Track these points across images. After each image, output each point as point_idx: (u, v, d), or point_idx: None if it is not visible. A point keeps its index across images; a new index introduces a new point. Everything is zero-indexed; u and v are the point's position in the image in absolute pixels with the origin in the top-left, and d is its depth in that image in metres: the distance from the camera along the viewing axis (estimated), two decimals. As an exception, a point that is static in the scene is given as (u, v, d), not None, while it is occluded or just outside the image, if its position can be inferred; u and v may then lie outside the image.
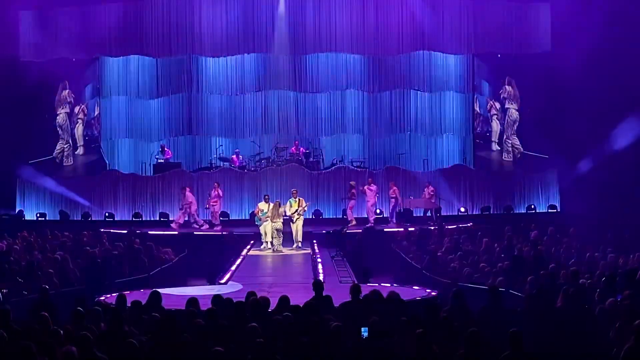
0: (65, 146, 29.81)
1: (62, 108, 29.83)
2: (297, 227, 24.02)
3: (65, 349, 8.50)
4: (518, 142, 30.14)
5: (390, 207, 27.15)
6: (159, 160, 29.49)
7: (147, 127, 30.87)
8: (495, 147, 30.51)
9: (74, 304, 11.31)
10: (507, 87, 30.23)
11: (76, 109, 29.92)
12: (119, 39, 29.22)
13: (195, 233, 25.49)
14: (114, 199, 28.75)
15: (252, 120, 30.97)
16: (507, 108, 30.27)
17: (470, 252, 19.42)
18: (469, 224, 25.65)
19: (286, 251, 23.54)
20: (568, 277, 14.23)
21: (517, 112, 30.11)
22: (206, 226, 26.55)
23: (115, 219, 27.96)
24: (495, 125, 30.55)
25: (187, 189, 26.88)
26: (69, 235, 22.41)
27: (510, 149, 30.24)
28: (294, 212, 23.92)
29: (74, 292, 14.85)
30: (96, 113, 30.21)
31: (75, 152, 30.00)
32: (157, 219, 28.16)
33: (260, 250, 23.76)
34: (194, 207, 26.88)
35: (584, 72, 26.69)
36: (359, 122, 31.01)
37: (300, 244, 24.01)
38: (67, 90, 29.82)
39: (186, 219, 26.76)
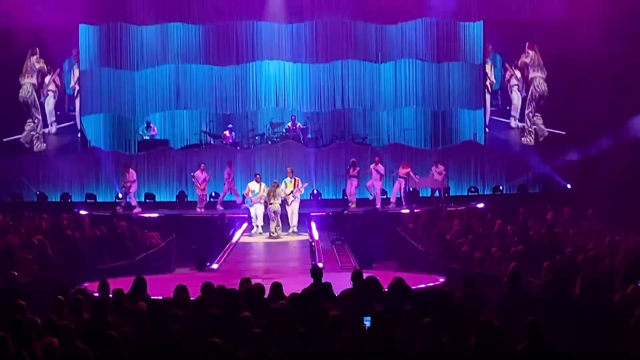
0: (34, 129, 29.27)
1: (28, 77, 29.24)
2: (293, 211, 23.97)
3: (45, 340, 8.52)
4: (542, 122, 29.56)
5: (401, 188, 26.93)
6: (144, 137, 29.44)
7: (130, 101, 30.76)
8: (514, 123, 30.14)
9: (53, 291, 11.32)
10: (529, 52, 29.83)
11: (46, 79, 29.58)
12: (99, 6, 29.08)
13: (184, 215, 25.48)
14: (95, 179, 28.73)
15: (245, 93, 30.89)
16: (533, 78, 29.81)
17: (481, 235, 19.43)
18: (480, 205, 25.66)
19: (283, 236, 23.53)
20: (587, 263, 14.24)
21: (546, 83, 29.69)
22: (138, 209, 26.27)
23: (97, 200, 27.94)
24: (516, 98, 30.13)
25: (131, 168, 26.74)
26: (47, 218, 22.40)
27: (531, 129, 29.82)
28: (289, 194, 23.83)
29: (53, 279, 14.86)
30: (72, 84, 29.98)
31: (47, 131, 29.73)
32: (143, 200, 28.13)
33: (251, 235, 23.72)
34: (134, 188, 26.62)
35: (602, 39, 26.53)
36: (360, 95, 30.93)
37: (295, 229, 23.97)
38: (35, 56, 29.38)
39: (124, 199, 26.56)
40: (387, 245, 21.92)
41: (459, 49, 30.84)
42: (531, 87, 29.82)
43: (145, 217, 25.02)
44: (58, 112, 29.87)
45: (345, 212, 24.51)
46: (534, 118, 29.80)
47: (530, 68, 29.84)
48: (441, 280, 15.87)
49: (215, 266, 19.26)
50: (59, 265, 17.33)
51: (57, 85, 29.67)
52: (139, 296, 11.67)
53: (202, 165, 26.90)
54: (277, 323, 9.58)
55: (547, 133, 29.62)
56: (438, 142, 30.44)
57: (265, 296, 11.38)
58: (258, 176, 24.71)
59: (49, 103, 29.71)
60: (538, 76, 29.79)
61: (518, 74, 29.95)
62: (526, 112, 29.96)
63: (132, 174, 26.60)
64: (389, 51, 30.81)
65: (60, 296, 10.80)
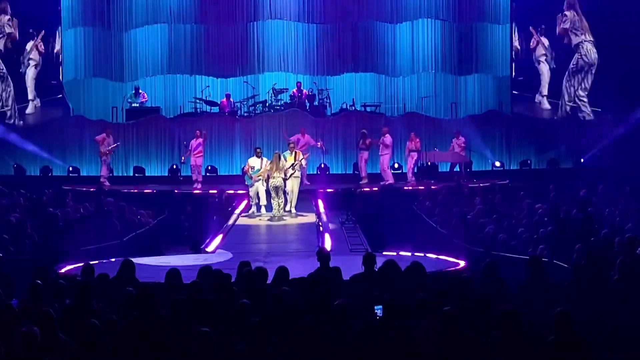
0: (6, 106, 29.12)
1: None
2: (293, 189, 23.32)
3: (26, 329, 8.49)
4: (587, 104, 29.03)
5: (413, 163, 26.89)
6: (132, 105, 29.40)
7: (118, 64, 30.69)
8: (544, 103, 29.80)
9: (32, 275, 11.31)
10: (567, 13, 29.47)
11: (28, 46, 29.45)
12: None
13: (176, 191, 25.49)
14: (79, 150, 28.73)
15: (245, 56, 30.81)
16: (578, 44, 29.26)
17: (506, 214, 19.39)
18: (505, 181, 25.60)
19: (286, 217, 23.24)
20: (624, 245, 14.19)
21: (596, 51, 29.10)
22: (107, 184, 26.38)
23: (81, 174, 27.95)
24: (545, 69, 29.85)
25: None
26: (25, 193, 22.39)
27: (567, 107, 29.49)
28: (289, 167, 23.19)
29: (32, 262, 14.86)
30: (57, 49, 29.94)
31: (27, 112, 29.50)
32: (131, 174, 28.15)
33: (250, 216, 23.60)
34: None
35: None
36: (373, 59, 30.83)
37: (294, 210, 23.51)
38: (6, 17, 29.17)
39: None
40: (401, 225, 21.88)
41: (483, 8, 30.68)
42: (576, 56, 29.25)
43: (135, 193, 25.00)
44: (38, 83, 29.71)
45: (356, 190, 24.36)
46: (575, 96, 29.21)
47: (571, 33, 29.30)
48: (461, 264, 15.84)
49: (211, 248, 19.25)
50: (39, 246, 17.33)
51: (40, 53, 29.48)
52: (127, 280, 11.66)
53: (198, 132, 26.71)
54: (279, 312, 9.56)
55: (592, 117, 29.19)
56: (459, 111, 30.33)
57: (268, 281, 11.35)
58: (258, 150, 23.96)
59: (29, 74, 29.50)
60: (585, 42, 29.11)
61: (546, 42, 29.61)
62: (564, 85, 29.50)
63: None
64: (405, 10, 30.71)
65: (40, 280, 10.79)
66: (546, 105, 29.78)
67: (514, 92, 30.23)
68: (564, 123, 29.23)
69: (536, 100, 29.91)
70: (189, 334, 8.92)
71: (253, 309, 9.52)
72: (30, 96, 29.54)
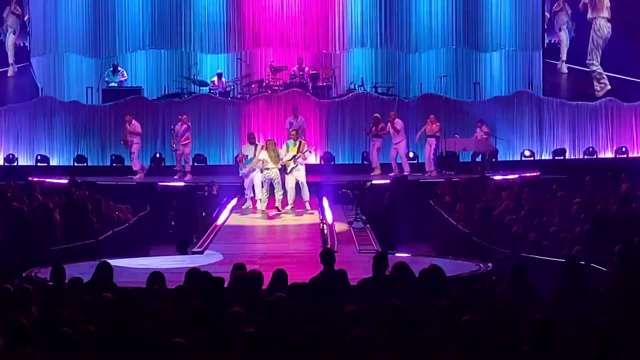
0: None
1: None
2: (301, 182, 23.29)
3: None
4: (601, 72, 29.44)
5: (432, 151, 26.87)
6: (110, 84, 29.41)
7: (93, 38, 30.68)
8: (563, 68, 30.17)
9: (-6, 279, 11.35)
10: None
11: (4, 13, 29.65)
12: None
13: (160, 184, 25.52)
14: (48, 137, 28.76)
15: (239, 28, 30.79)
16: (593, 19, 29.74)
17: (537, 211, 19.39)
18: (535, 174, 25.61)
19: (287, 217, 23.18)
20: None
21: (610, 25, 29.56)
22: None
23: (51, 164, 27.99)
24: (565, 37, 30.10)
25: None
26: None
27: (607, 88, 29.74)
28: (291, 159, 23.16)
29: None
30: (26, 17, 30.00)
31: (8, 74, 29.84)
32: (109, 164, 28.18)
33: (244, 212, 23.63)
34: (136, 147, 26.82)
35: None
36: (385, 33, 30.80)
37: (308, 206, 23.54)
38: None
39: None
40: (417, 223, 21.91)
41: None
42: (591, 32, 29.62)
43: (113, 185, 25.02)
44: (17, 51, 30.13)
45: (366, 184, 24.30)
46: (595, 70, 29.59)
47: (589, 6, 29.68)
48: (485, 267, 15.86)
49: (199, 248, 19.29)
50: (2, 246, 17.36)
51: (17, 16, 29.65)
52: (103, 285, 11.69)
53: (182, 116, 26.68)
54: (275, 321, 9.58)
55: (608, 85, 29.41)
56: (483, 92, 30.31)
57: (264, 286, 11.37)
58: (252, 136, 24.14)
59: (9, 40, 29.86)
60: (599, 17, 29.65)
61: (569, 9, 29.78)
62: (587, 61, 29.96)
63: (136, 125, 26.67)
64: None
65: (4, 285, 10.81)
66: (564, 69, 30.10)
67: (546, 59, 30.34)
68: (606, 107, 29.28)
69: (558, 66, 30.12)
70: (171, 346, 8.95)
71: (246, 318, 9.54)
72: (10, 60, 29.99)
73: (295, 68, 29.52)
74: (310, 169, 24.66)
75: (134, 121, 26.71)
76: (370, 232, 20.82)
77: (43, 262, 15.97)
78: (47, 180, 24.83)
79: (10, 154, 28.31)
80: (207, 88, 29.49)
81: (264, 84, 29.43)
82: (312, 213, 23.28)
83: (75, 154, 28.39)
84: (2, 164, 28.11)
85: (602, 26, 29.77)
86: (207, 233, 20.68)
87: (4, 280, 11.28)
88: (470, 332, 8.97)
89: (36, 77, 30.10)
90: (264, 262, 16.70)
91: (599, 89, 29.76)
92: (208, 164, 28.42)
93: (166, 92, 30.17)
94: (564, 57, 30.24)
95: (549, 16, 30.31)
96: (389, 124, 26.53)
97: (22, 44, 30.04)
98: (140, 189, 25.03)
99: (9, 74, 29.95)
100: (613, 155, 28.65)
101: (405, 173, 26.11)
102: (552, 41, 30.34)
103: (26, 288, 11.04)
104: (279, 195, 23.07)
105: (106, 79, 29.59)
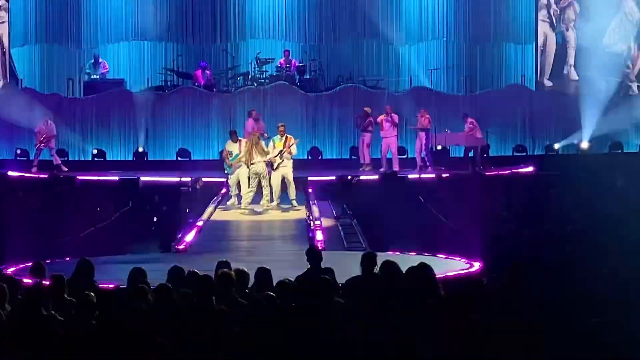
0: None
1: None
2: (287, 178, 23.30)
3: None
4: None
5: (423, 145, 26.87)
6: (91, 76, 29.36)
7: (75, 28, 30.63)
8: (572, 73, 29.94)
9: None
10: None
11: None
12: None
13: (142, 179, 25.46)
14: (28, 129, 28.68)
15: (225, 20, 30.78)
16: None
17: (530, 208, 19.45)
18: (529, 169, 25.64)
19: (273, 213, 23.20)
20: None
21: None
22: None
23: (30, 158, 27.92)
24: (572, 36, 29.92)
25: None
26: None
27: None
28: (277, 155, 23.21)
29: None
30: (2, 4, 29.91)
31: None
32: (90, 158, 28.14)
33: (228, 209, 23.63)
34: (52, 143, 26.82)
35: None
36: (374, 24, 30.81)
37: (295, 202, 23.57)
38: None
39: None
40: (407, 220, 21.92)
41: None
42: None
43: (94, 180, 24.97)
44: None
45: (354, 179, 24.34)
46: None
47: None
48: (477, 266, 15.88)
49: (183, 246, 19.30)
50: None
51: (7, 10, 29.57)
52: (84, 283, 11.65)
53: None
54: (260, 320, 9.57)
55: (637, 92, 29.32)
56: (475, 85, 30.35)
57: (249, 285, 11.37)
58: (234, 132, 24.13)
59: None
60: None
61: (577, 7, 29.62)
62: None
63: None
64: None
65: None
66: (574, 75, 29.75)
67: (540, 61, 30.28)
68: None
69: (564, 71, 29.96)
70: (154, 345, 8.94)
71: (230, 317, 9.52)
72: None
73: (281, 60, 29.49)
74: (297, 164, 24.65)
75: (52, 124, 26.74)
76: (358, 229, 20.84)
77: (22, 259, 15.95)
78: (27, 175, 24.78)
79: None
80: (191, 80, 29.44)
81: (249, 77, 29.40)
82: (299, 209, 23.31)
83: (56, 148, 28.28)
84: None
85: (633, 10, 29.47)
86: (191, 230, 20.68)
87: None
88: (463, 334, 8.96)
89: (15, 68, 30.00)
90: (250, 258, 16.70)
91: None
92: (192, 158, 28.37)
93: (149, 85, 30.11)
94: (571, 60, 29.95)
95: (548, 13, 30.13)
96: (382, 116, 26.34)
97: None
98: (122, 184, 24.94)
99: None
100: (609, 151, 28.65)
101: (394, 169, 26.09)
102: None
103: (2, 287, 10.99)
104: (265, 190, 23.10)
105: (87, 70, 29.53)
